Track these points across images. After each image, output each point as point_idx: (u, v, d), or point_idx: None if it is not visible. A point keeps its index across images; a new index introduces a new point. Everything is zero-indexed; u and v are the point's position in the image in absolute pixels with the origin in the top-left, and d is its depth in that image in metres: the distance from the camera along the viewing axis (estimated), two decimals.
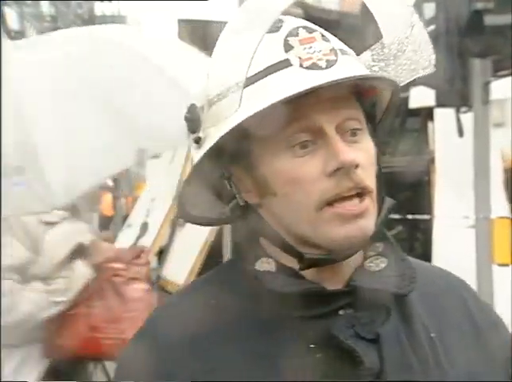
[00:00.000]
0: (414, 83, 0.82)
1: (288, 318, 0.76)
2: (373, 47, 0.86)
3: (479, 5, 4.10)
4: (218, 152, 0.78)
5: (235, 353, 0.75)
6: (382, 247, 0.80)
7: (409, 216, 6.67)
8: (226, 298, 0.80)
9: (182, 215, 0.85)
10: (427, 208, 7.16)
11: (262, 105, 0.73)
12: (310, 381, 0.74)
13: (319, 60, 0.75)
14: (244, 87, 0.74)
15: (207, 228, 4.74)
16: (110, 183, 14.09)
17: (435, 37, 5.39)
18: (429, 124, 7.36)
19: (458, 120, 4.96)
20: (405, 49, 0.83)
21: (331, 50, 0.77)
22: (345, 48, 0.80)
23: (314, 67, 0.75)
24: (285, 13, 0.80)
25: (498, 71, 4.85)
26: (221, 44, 0.77)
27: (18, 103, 1.66)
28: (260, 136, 0.75)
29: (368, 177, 0.76)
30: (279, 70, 0.75)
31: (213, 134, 0.77)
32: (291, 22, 0.79)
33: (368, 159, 0.77)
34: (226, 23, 0.74)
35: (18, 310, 2.39)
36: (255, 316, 0.77)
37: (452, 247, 6.46)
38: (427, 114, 7.10)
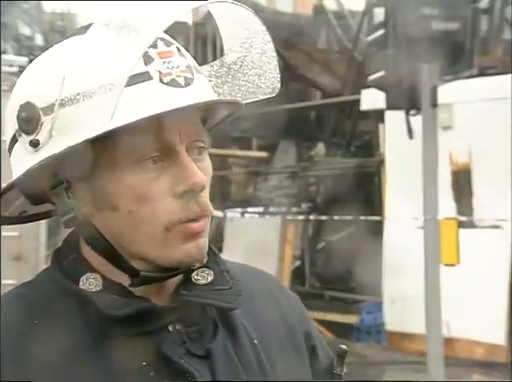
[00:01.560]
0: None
1: (117, 336, 0.74)
2: (213, 63, 0.83)
3: (426, 11, 4.20)
4: (59, 160, 0.73)
5: (66, 375, 0.72)
6: (206, 258, 0.78)
7: (361, 218, 6.76)
8: (50, 317, 0.75)
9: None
10: (377, 209, 7.28)
11: (119, 121, 0.69)
12: None
13: (177, 76, 0.73)
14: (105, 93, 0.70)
15: None
16: None
17: (384, 41, 5.48)
18: (380, 126, 7.49)
19: (407, 123, 5.06)
20: (248, 72, 0.80)
21: (187, 67, 0.75)
22: (196, 64, 0.78)
23: (173, 83, 0.73)
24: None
25: (444, 75, 4.97)
26: (83, 44, 0.72)
27: None
28: (108, 149, 0.73)
29: (207, 198, 0.76)
30: (139, 83, 0.71)
31: (62, 141, 0.72)
32: (148, 31, 0.72)
33: (208, 179, 0.77)
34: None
35: None
36: (84, 336, 0.74)
37: (402, 248, 6.59)
38: (378, 116, 7.22)
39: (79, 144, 0.71)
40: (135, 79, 0.71)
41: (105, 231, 0.76)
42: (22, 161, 0.75)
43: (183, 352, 0.75)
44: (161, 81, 0.72)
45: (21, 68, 4.25)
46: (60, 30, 10.84)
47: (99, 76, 0.71)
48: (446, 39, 4.33)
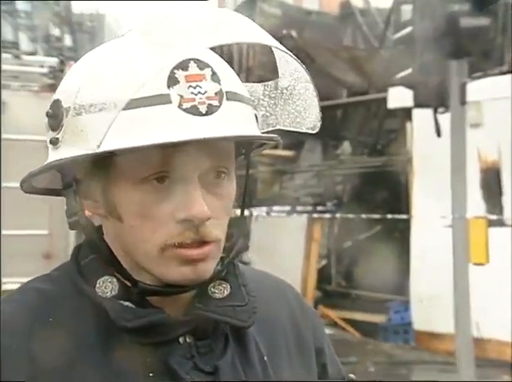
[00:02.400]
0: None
1: (127, 344, 0.73)
2: (268, 83, 0.80)
3: (455, 8, 4.15)
4: (74, 163, 0.72)
5: (71, 378, 0.72)
6: (224, 271, 0.77)
7: (388, 216, 6.71)
8: (65, 317, 0.75)
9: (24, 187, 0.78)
10: (405, 207, 7.22)
11: (130, 143, 0.68)
12: None
13: (200, 103, 0.69)
14: (121, 110, 0.68)
15: None
16: None
17: (412, 39, 5.44)
18: (407, 124, 7.42)
19: (435, 121, 5.01)
20: (296, 102, 0.79)
21: (216, 93, 0.70)
22: (235, 89, 0.72)
23: (193, 110, 0.68)
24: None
25: (473, 72, 4.91)
26: (116, 50, 0.70)
27: None
28: (117, 162, 0.71)
29: (219, 227, 0.73)
30: (157, 104, 0.68)
31: (72, 147, 0.71)
32: (185, 50, 0.70)
33: (224, 206, 0.74)
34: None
35: None
36: (94, 340, 0.74)
37: (430, 247, 6.53)
38: (405, 114, 7.15)
39: (83, 156, 0.70)
40: (153, 100, 0.68)
41: (111, 237, 0.76)
42: (48, 151, 0.76)
43: (190, 367, 0.74)
44: (180, 107, 0.68)
45: (52, 69, 4.32)
46: (88, 31, 10.97)
47: (105, 91, 0.69)
48: (475, 35, 4.27)
